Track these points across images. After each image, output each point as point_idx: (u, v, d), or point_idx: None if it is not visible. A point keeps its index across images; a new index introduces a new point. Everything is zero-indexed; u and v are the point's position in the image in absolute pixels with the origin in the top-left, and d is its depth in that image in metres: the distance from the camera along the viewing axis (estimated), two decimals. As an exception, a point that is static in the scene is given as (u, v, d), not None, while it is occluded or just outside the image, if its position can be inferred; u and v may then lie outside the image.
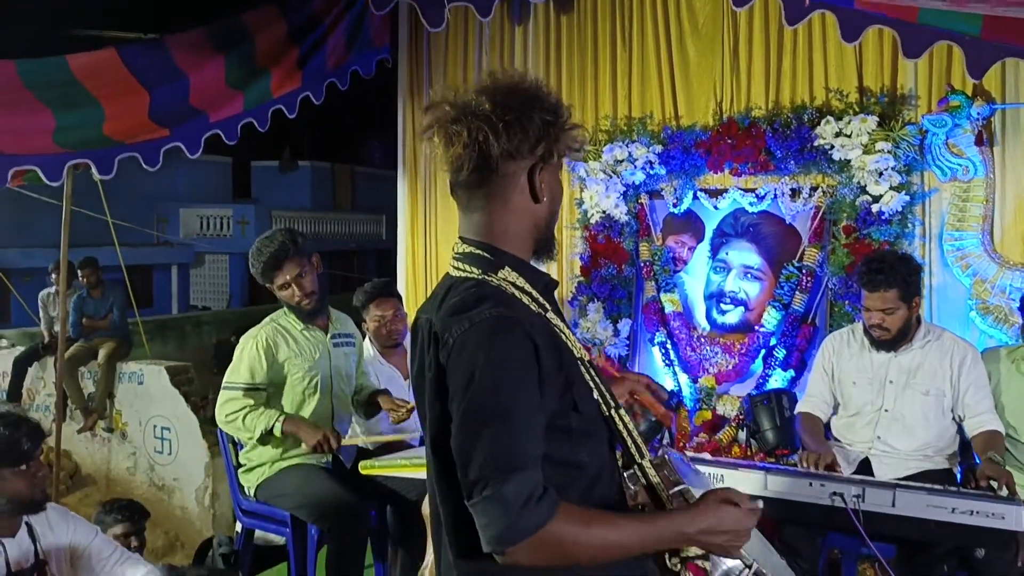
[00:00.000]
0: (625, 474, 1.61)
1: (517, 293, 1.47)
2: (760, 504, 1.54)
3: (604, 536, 1.39)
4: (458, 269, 1.51)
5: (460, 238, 1.55)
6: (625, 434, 1.56)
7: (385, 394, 3.62)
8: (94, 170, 4.18)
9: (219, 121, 4.41)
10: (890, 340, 3.26)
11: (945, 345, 3.30)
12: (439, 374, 1.43)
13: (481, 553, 1.38)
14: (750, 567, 1.83)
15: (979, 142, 3.94)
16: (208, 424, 7.18)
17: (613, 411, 1.55)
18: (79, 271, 7.62)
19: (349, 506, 3.25)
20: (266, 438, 3.35)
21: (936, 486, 2.78)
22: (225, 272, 16.94)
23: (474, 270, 1.49)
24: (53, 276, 7.93)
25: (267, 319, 3.51)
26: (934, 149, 4.00)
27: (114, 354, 7.60)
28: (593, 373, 1.53)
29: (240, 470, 3.56)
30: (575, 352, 1.49)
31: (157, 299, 15.74)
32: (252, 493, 3.50)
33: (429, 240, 5.34)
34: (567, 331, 1.50)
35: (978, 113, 3.89)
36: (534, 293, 1.49)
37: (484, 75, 1.53)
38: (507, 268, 1.49)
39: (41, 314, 8.12)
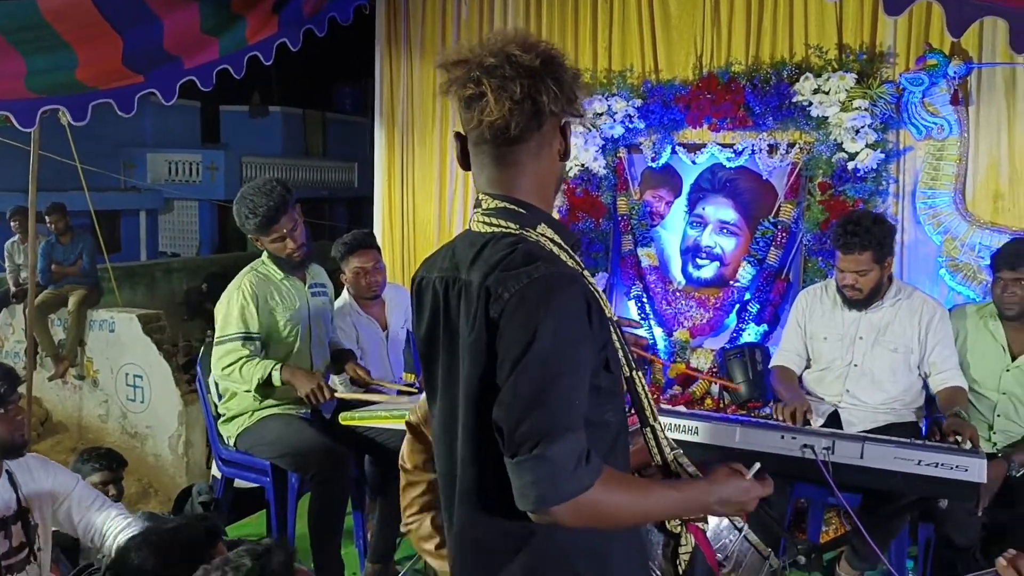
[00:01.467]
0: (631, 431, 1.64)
1: (555, 250, 1.47)
2: (756, 467, 1.61)
3: (639, 502, 1.43)
4: (489, 224, 1.49)
5: (486, 194, 1.52)
6: (643, 396, 1.58)
7: (351, 358, 3.64)
8: (68, 116, 4.10)
9: (194, 67, 4.33)
10: (862, 300, 3.32)
11: (915, 304, 3.37)
12: (486, 331, 1.40)
13: (511, 513, 1.38)
14: (740, 530, 1.90)
15: (955, 101, 3.98)
16: (180, 372, 7.18)
17: (634, 372, 1.57)
18: (47, 217, 7.51)
19: (332, 453, 3.28)
20: (266, 390, 3.33)
21: (903, 439, 2.86)
22: (195, 218, 16.72)
23: (511, 225, 1.47)
24: (13, 223, 7.80)
25: (247, 268, 3.49)
26: (910, 107, 4.04)
27: (84, 301, 7.55)
28: (619, 334, 1.54)
29: (219, 420, 3.57)
30: (607, 311, 1.51)
31: (125, 245, 15.53)
32: (232, 443, 3.52)
33: (406, 189, 5.32)
34: (599, 291, 1.50)
35: (955, 72, 3.92)
36: (569, 250, 1.51)
37: (493, 33, 1.51)
38: (543, 224, 1.49)
39: (7, 263, 8.01)
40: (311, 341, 3.53)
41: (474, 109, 1.44)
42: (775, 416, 3.19)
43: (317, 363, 3.56)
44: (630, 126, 4.56)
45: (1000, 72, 3.94)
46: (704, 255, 4.59)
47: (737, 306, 4.43)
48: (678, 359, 4.50)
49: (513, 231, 1.47)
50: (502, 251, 1.43)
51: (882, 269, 3.29)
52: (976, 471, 2.66)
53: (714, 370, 4.34)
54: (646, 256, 4.67)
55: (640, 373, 1.57)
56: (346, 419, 3.25)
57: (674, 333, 4.55)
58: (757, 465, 1.62)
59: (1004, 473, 3.20)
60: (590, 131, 4.61)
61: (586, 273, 1.50)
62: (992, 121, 3.98)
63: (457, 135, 1.54)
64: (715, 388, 4.25)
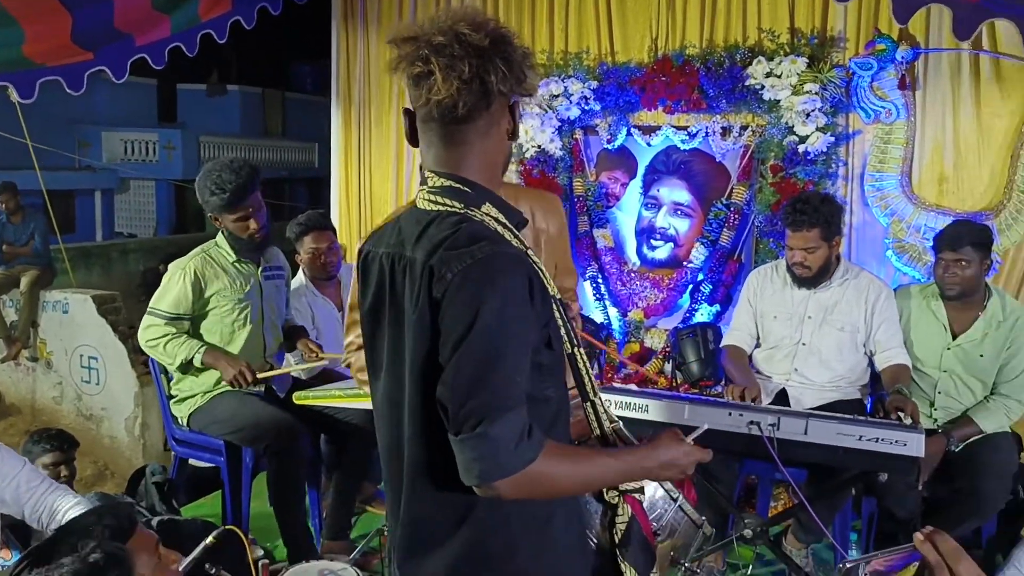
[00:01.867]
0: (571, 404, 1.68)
1: (500, 229, 1.49)
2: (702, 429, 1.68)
3: (582, 471, 1.46)
4: (434, 203, 1.50)
5: (433, 171, 1.53)
6: (584, 371, 1.62)
7: (301, 332, 3.66)
8: (14, 93, 4.03)
9: (145, 45, 4.27)
10: (811, 278, 3.39)
11: (861, 284, 3.45)
12: (430, 309, 1.42)
13: (454, 487, 1.41)
14: (675, 499, 1.96)
15: (902, 86, 4.06)
16: (137, 353, 7.11)
17: (576, 348, 1.60)
18: (-4, 196, 7.37)
19: (286, 425, 3.30)
20: (188, 368, 3.37)
21: (845, 415, 2.94)
22: (151, 198, 16.49)
23: (456, 204, 1.49)
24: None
25: (198, 249, 3.49)
26: (859, 92, 4.11)
27: (37, 282, 7.42)
28: (562, 311, 1.57)
29: (172, 400, 3.56)
30: (551, 290, 1.53)
31: (80, 225, 15.27)
32: (185, 422, 3.51)
33: (363, 170, 5.30)
34: (543, 267, 1.53)
35: (902, 57, 4.00)
36: (513, 229, 1.52)
37: (444, 11, 1.51)
38: (488, 203, 1.51)
39: (-44, 245, 7.84)
40: (263, 323, 3.53)
41: (422, 87, 1.44)
42: (726, 396, 3.26)
43: (270, 344, 3.57)
44: (586, 108, 4.59)
45: (946, 58, 4.03)
46: (658, 236, 4.64)
47: (690, 286, 4.50)
48: (632, 339, 4.56)
49: (458, 210, 1.48)
50: (446, 230, 1.45)
51: (830, 248, 3.36)
52: (914, 445, 2.75)
53: (666, 349, 4.41)
54: (602, 237, 4.71)
55: (581, 350, 1.60)
56: (300, 398, 3.26)
57: (628, 313, 4.61)
58: (705, 426, 1.67)
59: (944, 448, 3.31)
60: (546, 112, 4.63)
61: (530, 252, 1.52)
62: (938, 106, 4.07)
63: (406, 112, 1.54)
64: (668, 367, 4.31)
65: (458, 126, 1.48)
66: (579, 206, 4.75)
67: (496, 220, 1.50)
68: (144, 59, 4.38)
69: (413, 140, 1.56)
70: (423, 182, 1.55)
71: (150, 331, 3.37)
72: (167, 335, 3.34)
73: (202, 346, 3.34)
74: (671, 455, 1.58)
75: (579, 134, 4.73)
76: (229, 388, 3.44)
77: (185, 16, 4.35)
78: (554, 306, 1.53)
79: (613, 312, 4.65)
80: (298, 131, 18.86)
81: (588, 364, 1.62)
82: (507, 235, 1.49)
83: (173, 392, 3.56)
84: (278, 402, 3.49)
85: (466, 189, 1.51)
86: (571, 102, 4.58)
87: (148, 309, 3.40)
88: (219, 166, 3.35)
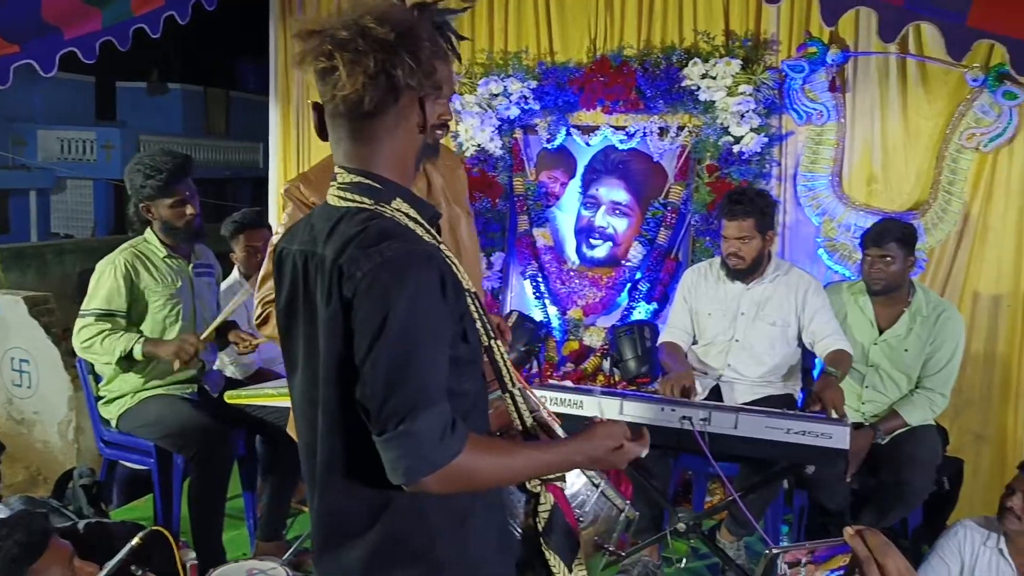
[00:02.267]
0: (491, 397, 1.69)
1: (411, 224, 1.48)
2: (642, 441, 1.65)
3: (507, 464, 1.47)
4: (344, 199, 1.49)
5: (342, 167, 1.52)
6: (501, 363, 1.62)
7: (233, 326, 3.61)
8: (-65, 87, 3.91)
9: (75, 38, 4.16)
10: (744, 269, 3.46)
11: (792, 279, 3.53)
12: (341, 309, 1.41)
13: (370, 483, 1.41)
14: (597, 486, 1.97)
15: (832, 88, 4.14)
16: (70, 356, 6.94)
17: (492, 341, 1.60)
18: (-76, 195, 7.15)
19: (212, 431, 3.25)
20: (127, 363, 3.29)
21: (774, 409, 3.00)
22: (89, 198, 16.13)
23: (365, 200, 1.47)
24: None
25: (126, 244, 3.43)
26: (792, 93, 4.20)
27: (-34, 283, 7.21)
28: (477, 303, 1.58)
29: (100, 402, 3.49)
30: (464, 282, 1.53)
31: (14, 225, 14.88)
32: (114, 424, 3.45)
33: (302, 168, 5.24)
34: (456, 261, 1.53)
35: (833, 60, 4.09)
36: (425, 224, 1.51)
37: (352, 3, 1.48)
38: (398, 199, 1.49)
39: None
40: (195, 320, 3.49)
41: (327, 82, 1.43)
42: (661, 390, 3.29)
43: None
44: (525, 107, 4.60)
45: (874, 61, 4.12)
46: (597, 235, 4.68)
47: (628, 285, 4.54)
48: (571, 337, 4.59)
49: (368, 206, 1.47)
50: (355, 227, 1.43)
51: (763, 240, 3.43)
52: (840, 438, 2.81)
53: (605, 347, 4.44)
54: (541, 236, 4.73)
55: (498, 342, 1.61)
56: (232, 397, 3.22)
57: (568, 312, 4.63)
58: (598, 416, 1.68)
59: (871, 441, 3.40)
60: (486, 112, 4.64)
61: (443, 246, 1.52)
62: (867, 108, 4.16)
63: (314, 105, 1.52)
64: (606, 364, 4.35)
65: (365, 121, 1.47)
66: (519, 205, 4.76)
67: (407, 215, 1.49)
68: (79, 55, 4.27)
69: (322, 134, 1.54)
70: (333, 178, 1.54)
71: (84, 332, 3.29)
72: (102, 331, 3.26)
73: (140, 337, 3.27)
74: (600, 450, 1.58)
75: (519, 133, 4.75)
76: (159, 390, 3.38)
77: (117, 10, 4.26)
78: (469, 299, 1.53)
79: (553, 310, 4.67)
80: (242, 130, 18.60)
81: (505, 355, 1.62)
82: (418, 230, 1.48)
83: (102, 393, 3.49)
84: (209, 406, 3.44)
85: (376, 185, 1.49)
86: (511, 101, 4.59)
87: (80, 312, 3.33)
88: (151, 152, 3.35)
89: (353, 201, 1.48)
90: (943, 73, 4.00)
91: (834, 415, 2.95)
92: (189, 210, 3.35)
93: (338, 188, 1.51)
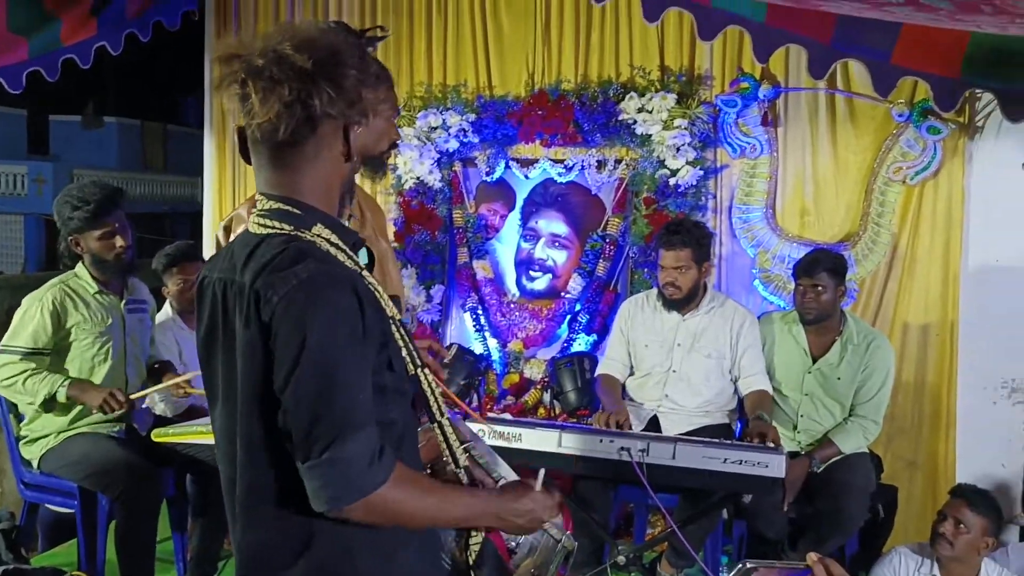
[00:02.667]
0: (420, 429, 1.65)
1: (332, 250, 1.45)
2: (542, 475, 1.65)
3: (434, 504, 1.44)
4: (264, 226, 1.46)
5: (262, 194, 1.49)
6: (429, 393, 1.59)
7: (168, 368, 3.52)
8: None
9: (0, 68, 4.06)
10: (681, 299, 3.49)
11: (727, 311, 3.58)
12: (260, 333, 1.38)
13: (292, 515, 1.38)
14: (559, 541, 1.93)
15: (765, 122, 4.23)
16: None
17: (419, 370, 1.58)
18: None
19: (139, 470, 3.14)
20: (51, 404, 3.18)
21: (711, 439, 3.02)
22: (19, 233, 15.69)
23: (284, 226, 1.44)
24: None
25: (56, 279, 3.32)
26: (726, 127, 4.28)
27: None
28: (403, 331, 1.55)
29: (22, 442, 3.36)
30: (387, 310, 1.50)
31: (-61, 262, 14.40)
32: (36, 465, 3.31)
33: (237, 202, 5.15)
34: (380, 288, 1.50)
35: (764, 95, 4.18)
36: (348, 250, 1.48)
37: (278, 26, 1.46)
38: (319, 225, 1.46)
39: None
40: (125, 358, 3.38)
41: (244, 110, 1.40)
42: (595, 424, 3.30)
43: (132, 380, 3.42)
44: (464, 140, 4.61)
45: (804, 97, 4.22)
46: (537, 267, 4.69)
47: (568, 317, 4.55)
48: (512, 370, 4.57)
49: (287, 231, 1.44)
50: (272, 251, 1.41)
51: (700, 271, 3.48)
52: (776, 466, 2.83)
53: (545, 379, 4.43)
54: (481, 268, 4.72)
55: (426, 371, 1.59)
56: (159, 436, 3.10)
57: (508, 344, 4.62)
58: (542, 471, 1.67)
59: (807, 470, 3.42)
60: (425, 144, 4.63)
61: (365, 273, 1.49)
62: (798, 142, 4.25)
63: (238, 130, 1.49)
64: (547, 397, 4.33)
65: (284, 149, 1.44)
66: (459, 238, 4.75)
67: (328, 241, 1.46)
68: (4, 86, 4.16)
69: (246, 158, 1.51)
70: (254, 205, 1.51)
71: (5, 370, 3.16)
72: (25, 371, 3.14)
73: (65, 379, 3.16)
74: (517, 507, 1.56)
75: (458, 166, 4.75)
76: (84, 429, 3.27)
77: (45, 39, 4.16)
78: (394, 327, 1.51)
79: (493, 343, 4.65)
80: (180, 164, 18.31)
81: (434, 385, 1.60)
82: (340, 256, 1.46)
83: (24, 433, 3.35)
84: (137, 444, 3.33)
85: (296, 211, 1.46)
86: (449, 134, 4.59)
87: (1, 347, 3.20)
88: (81, 184, 3.28)
89: (272, 227, 1.45)
90: (870, 108, 4.12)
91: (770, 444, 2.98)
92: (119, 243, 3.26)
93: (258, 215, 1.48)
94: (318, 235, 1.45)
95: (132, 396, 3.24)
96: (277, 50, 1.37)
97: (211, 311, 1.49)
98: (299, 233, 1.44)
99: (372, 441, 1.35)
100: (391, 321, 1.50)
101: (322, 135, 1.44)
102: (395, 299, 2.18)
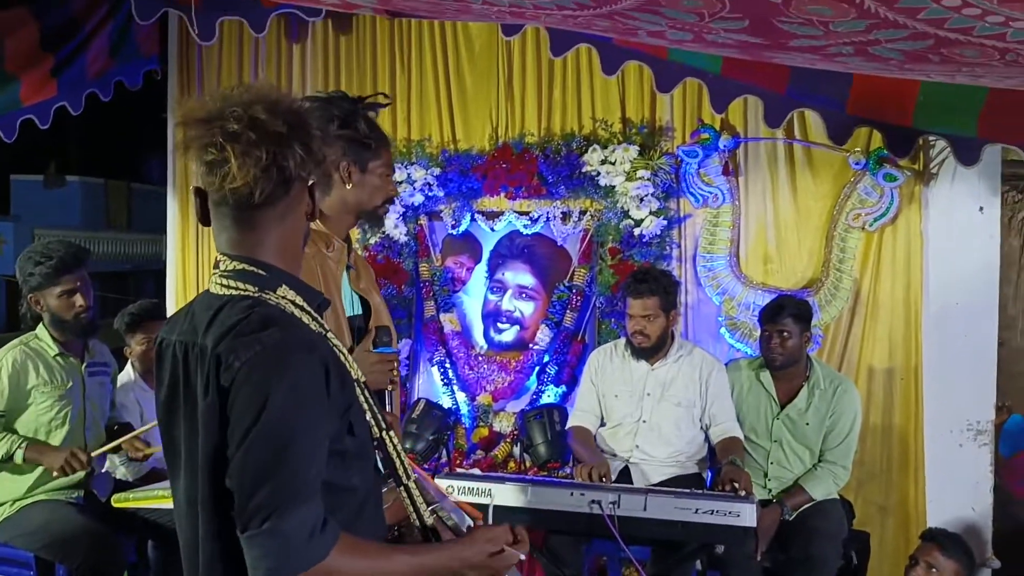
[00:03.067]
0: (385, 489, 1.63)
1: (297, 312, 1.43)
2: (522, 544, 1.62)
3: (380, 568, 1.41)
4: (227, 287, 1.44)
5: (225, 255, 1.47)
6: (395, 455, 1.57)
7: (128, 430, 3.45)
8: None
9: (-42, 128, 4.04)
10: (649, 348, 3.50)
11: (695, 360, 3.59)
12: (218, 399, 1.36)
13: None
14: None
15: (726, 172, 4.29)
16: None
17: (384, 432, 1.55)
18: None
19: (99, 538, 3.05)
20: (5, 465, 3.10)
21: (683, 489, 3.01)
22: (-21, 295, 15.42)
23: (249, 288, 1.43)
24: None
25: (16, 341, 3.26)
26: (688, 178, 4.33)
27: None
28: (368, 394, 1.53)
29: (-24, 512, 3.25)
30: (352, 373, 1.48)
31: None
32: (-9, 535, 3.20)
33: (201, 260, 5.12)
34: (345, 351, 1.49)
35: (724, 145, 4.24)
36: (312, 312, 1.47)
37: (239, 88, 1.45)
38: (284, 286, 1.45)
39: None
40: (84, 423, 3.31)
41: (216, 174, 1.39)
42: (576, 477, 3.28)
43: (91, 444, 3.33)
44: (430, 194, 4.63)
45: (764, 146, 4.30)
46: (504, 319, 4.68)
47: (537, 368, 4.53)
48: (481, 424, 4.53)
49: (251, 293, 1.43)
50: (237, 315, 1.39)
51: (667, 319, 3.50)
52: (748, 515, 2.82)
53: (515, 433, 4.39)
54: (448, 322, 4.70)
55: (391, 433, 1.56)
56: (120, 501, 3.04)
57: (477, 398, 4.58)
58: (490, 506, 1.65)
59: (779, 517, 3.41)
60: (391, 199, 4.63)
61: (330, 335, 1.48)
62: (759, 190, 4.32)
63: (196, 191, 1.48)
64: (516, 450, 4.29)
65: (253, 211, 1.44)
66: (425, 291, 4.74)
67: (293, 303, 1.45)
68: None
69: (205, 220, 1.49)
70: (215, 266, 1.49)
71: None
72: None
73: (23, 441, 3.09)
74: (476, 556, 1.54)
75: (424, 220, 4.75)
76: (43, 496, 3.18)
77: (4, 100, 4.14)
78: (358, 389, 1.49)
79: (461, 397, 4.61)
80: (144, 223, 18.17)
81: (399, 447, 1.57)
82: (305, 318, 1.44)
83: (-23, 502, 3.25)
84: (97, 511, 3.24)
85: (260, 272, 1.45)
86: (415, 188, 4.61)
87: None
88: (44, 242, 3.28)
89: (236, 289, 1.44)
90: (828, 157, 4.19)
91: (742, 493, 2.97)
92: (79, 302, 3.21)
93: (220, 275, 1.47)
94: (283, 296, 1.44)
95: (93, 453, 3.16)
96: (250, 114, 1.38)
97: (171, 374, 1.47)
98: (264, 295, 1.43)
99: (314, 514, 1.33)
100: (356, 384, 1.48)
101: (292, 196, 1.45)
102: (385, 328, 2.22)
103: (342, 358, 1.46)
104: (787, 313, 3.49)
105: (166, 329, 1.52)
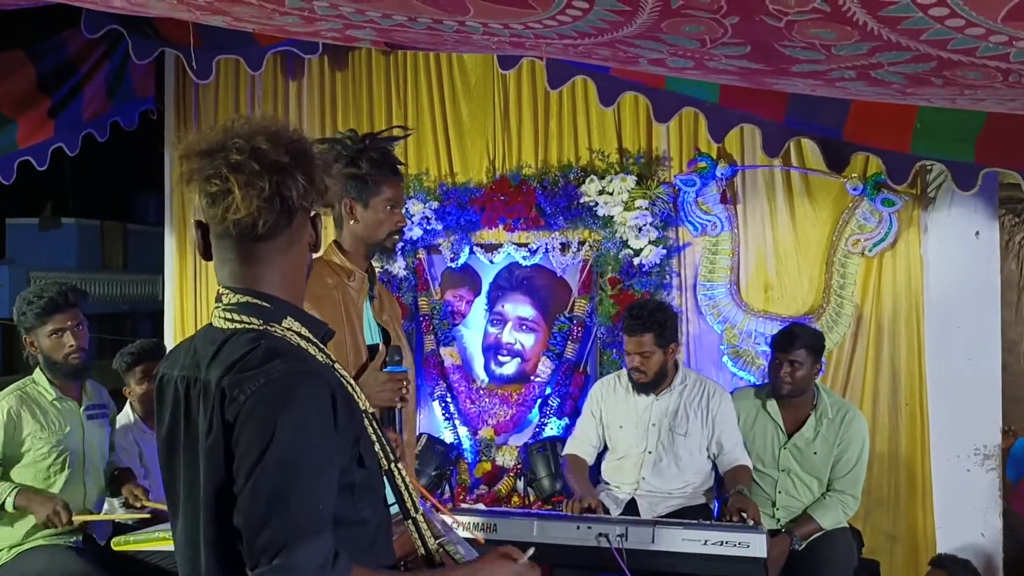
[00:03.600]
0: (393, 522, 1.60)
1: (303, 344, 1.42)
2: (531, 552, 1.63)
3: None
4: (231, 320, 1.42)
5: (228, 288, 1.46)
6: (403, 488, 1.54)
7: (129, 479, 3.41)
8: None
9: (-44, 172, 4.04)
10: (648, 383, 3.47)
11: (699, 388, 3.59)
12: (223, 434, 1.33)
13: None
14: None
15: (724, 200, 4.29)
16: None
17: (392, 464, 1.53)
18: None
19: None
20: (3, 516, 3.05)
21: (691, 520, 2.97)
22: (-26, 339, 15.33)
23: (253, 321, 1.41)
24: None
25: (13, 386, 3.23)
26: (686, 206, 4.33)
27: None
28: (376, 426, 1.51)
29: (-27, 559, 3.20)
30: (360, 404, 1.46)
31: None
32: (-12, 583, 3.15)
33: (199, 299, 5.10)
34: (352, 382, 1.47)
35: (722, 174, 4.25)
36: (318, 343, 1.45)
37: (240, 120, 1.44)
38: (289, 318, 1.44)
39: None
40: (84, 468, 3.27)
41: (219, 205, 1.38)
42: (565, 510, 3.24)
43: (91, 490, 3.29)
44: (428, 228, 4.62)
45: (761, 174, 4.31)
46: (505, 352, 4.65)
47: (539, 401, 4.50)
48: (484, 458, 4.48)
49: (256, 326, 1.41)
50: (242, 348, 1.37)
51: (665, 354, 3.47)
52: (757, 546, 2.78)
53: (518, 467, 4.35)
54: (449, 355, 4.67)
55: (399, 465, 1.53)
56: (119, 544, 2.98)
57: (479, 432, 4.54)
58: (532, 550, 1.63)
59: (788, 547, 3.37)
60: (389, 233, 4.63)
61: (337, 366, 1.46)
62: (757, 218, 4.32)
63: (198, 224, 1.47)
64: (520, 484, 4.25)
65: (257, 243, 1.42)
66: (425, 325, 4.71)
67: (299, 334, 1.43)
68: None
69: (207, 255, 1.48)
70: (218, 299, 1.47)
71: None
72: None
73: (14, 488, 3.04)
74: (504, 570, 1.52)
75: (422, 254, 4.74)
76: (41, 541, 3.13)
77: (1, 143, 4.15)
78: (366, 421, 1.46)
79: (463, 431, 4.57)
80: (140, 264, 18.15)
81: (408, 480, 1.54)
82: (312, 349, 1.42)
83: (-25, 547, 3.19)
84: (96, 555, 3.18)
85: (265, 304, 1.43)
86: (413, 222, 4.60)
87: None
88: (41, 284, 3.25)
89: (240, 322, 1.42)
90: (826, 183, 4.20)
91: (750, 523, 2.93)
92: (68, 342, 3.17)
93: (224, 309, 1.45)
94: (288, 328, 1.43)
95: (75, 518, 3.11)
96: (252, 144, 1.37)
97: (172, 410, 1.44)
98: (269, 327, 1.41)
99: (325, 548, 1.30)
100: (364, 415, 1.46)
101: (295, 227, 1.44)
102: (396, 347, 2.27)
103: (350, 389, 1.44)
104: (800, 344, 3.45)
105: (167, 364, 1.50)
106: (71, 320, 3.18)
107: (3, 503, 3.01)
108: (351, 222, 2.36)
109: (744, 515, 3.01)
